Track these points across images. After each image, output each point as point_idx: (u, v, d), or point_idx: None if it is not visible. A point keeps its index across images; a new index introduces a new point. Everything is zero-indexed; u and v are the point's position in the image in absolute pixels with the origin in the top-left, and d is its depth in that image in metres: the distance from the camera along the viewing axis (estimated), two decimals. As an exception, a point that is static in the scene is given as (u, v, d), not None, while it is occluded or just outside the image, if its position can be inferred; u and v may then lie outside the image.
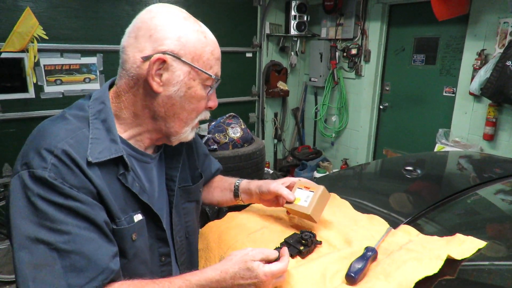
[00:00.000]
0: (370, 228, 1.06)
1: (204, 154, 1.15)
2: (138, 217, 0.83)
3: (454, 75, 3.58)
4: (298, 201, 0.99)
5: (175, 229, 0.96)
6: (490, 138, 3.25)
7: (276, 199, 1.07)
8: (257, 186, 1.07)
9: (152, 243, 0.89)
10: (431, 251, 0.86)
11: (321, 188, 0.98)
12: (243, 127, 2.17)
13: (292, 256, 0.92)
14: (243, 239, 1.06)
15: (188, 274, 0.79)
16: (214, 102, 0.90)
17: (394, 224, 1.07)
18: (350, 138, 4.69)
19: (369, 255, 0.88)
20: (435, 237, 0.95)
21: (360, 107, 4.48)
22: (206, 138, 2.06)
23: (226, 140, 2.03)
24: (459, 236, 0.91)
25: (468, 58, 3.33)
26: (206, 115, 0.91)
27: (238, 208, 1.28)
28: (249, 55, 4.59)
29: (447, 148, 3.37)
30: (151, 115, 0.84)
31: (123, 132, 0.84)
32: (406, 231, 1.00)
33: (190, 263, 1.06)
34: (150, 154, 0.91)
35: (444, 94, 3.71)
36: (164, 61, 0.78)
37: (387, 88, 4.29)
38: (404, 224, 1.07)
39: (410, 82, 4.02)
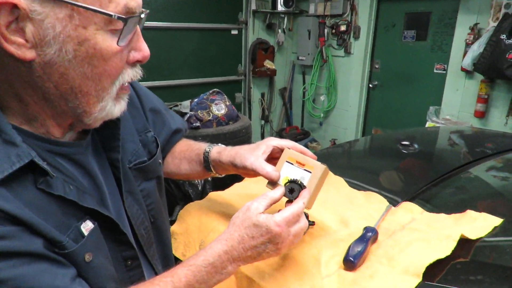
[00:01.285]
0: (368, 206, 0.95)
1: (153, 110, 0.88)
2: (87, 225, 0.62)
3: (445, 51, 3.48)
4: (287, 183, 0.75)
5: (135, 222, 0.76)
6: (481, 115, 3.19)
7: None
8: (230, 159, 0.83)
9: (112, 248, 0.70)
10: (439, 230, 0.76)
11: (322, 168, 0.73)
12: (227, 103, 2.03)
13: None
14: (225, 221, 0.94)
15: (191, 258, 0.67)
16: (140, 52, 0.60)
17: (394, 202, 0.97)
18: (338, 118, 4.59)
19: (369, 236, 0.77)
20: (442, 215, 0.84)
21: (349, 86, 4.37)
22: (188, 115, 1.92)
23: (210, 118, 1.89)
24: (470, 213, 0.80)
25: (461, 33, 3.23)
26: (134, 74, 0.62)
27: (223, 186, 1.16)
28: (234, 32, 4.41)
29: (438, 126, 3.30)
30: (40, 95, 0.57)
31: (23, 123, 0.59)
32: (408, 209, 0.90)
33: (162, 249, 0.92)
34: (75, 142, 0.66)
35: (435, 71, 3.62)
36: (14, 5, 0.48)
37: (377, 66, 4.18)
38: (405, 201, 0.96)
39: (400, 60, 3.91)
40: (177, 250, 0.99)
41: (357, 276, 0.69)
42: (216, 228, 0.92)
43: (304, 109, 4.95)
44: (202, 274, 0.64)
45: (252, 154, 0.81)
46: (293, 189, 0.73)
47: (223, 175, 0.96)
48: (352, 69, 4.27)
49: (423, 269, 0.63)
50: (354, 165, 1.49)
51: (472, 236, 0.71)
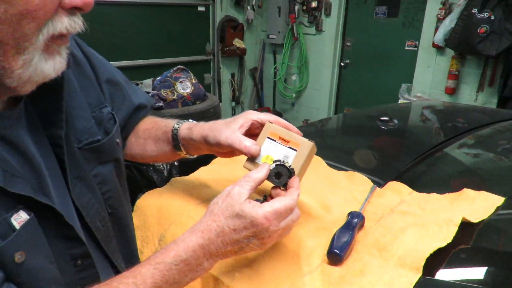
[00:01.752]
0: (351, 188, 0.84)
1: (111, 81, 0.74)
2: (20, 217, 0.49)
3: (417, 27, 3.43)
4: (269, 161, 0.63)
5: (88, 213, 0.62)
6: (452, 92, 3.18)
7: (234, 151, 0.75)
8: (202, 136, 0.72)
9: (56, 245, 0.56)
10: (435, 213, 0.66)
11: (309, 145, 0.62)
12: (194, 81, 1.87)
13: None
14: (190, 211, 0.81)
15: (158, 253, 0.55)
16: None
17: (378, 183, 0.87)
18: (310, 98, 4.50)
19: (355, 223, 0.67)
20: (434, 195, 0.75)
21: (321, 65, 4.27)
22: (150, 95, 1.75)
23: (174, 97, 1.73)
24: (467, 192, 0.71)
25: (432, 8, 3.18)
26: (71, 24, 0.48)
27: (192, 170, 1.02)
28: (201, 9, 4.17)
29: (410, 104, 3.28)
30: None
31: None
32: (396, 190, 0.80)
33: (125, 244, 0.78)
34: (0, 112, 0.52)
35: (407, 48, 3.58)
36: None
37: (348, 44, 4.10)
38: (391, 181, 0.87)
39: (372, 37, 3.84)
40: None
41: (345, 272, 0.58)
42: (178, 220, 0.79)
43: (275, 90, 4.83)
44: (173, 273, 0.53)
45: (228, 128, 0.69)
46: (280, 173, 0.61)
47: (195, 156, 0.84)
48: (324, 48, 4.16)
49: (423, 262, 0.53)
50: (330, 144, 1.38)
51: (474, 218, 0.62)
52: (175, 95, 1.73)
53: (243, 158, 0.69)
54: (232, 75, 4.77)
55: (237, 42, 4.45)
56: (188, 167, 1.13)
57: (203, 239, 0.54)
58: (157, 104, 1.71)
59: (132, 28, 3.62)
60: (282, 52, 4.48)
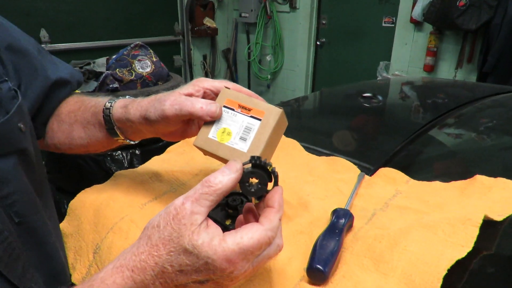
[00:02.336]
0: (333, 177, 0.69)
1: (14, 49, 0.57)
2: None
3: (393, 2, 3.29)
4: (226, 136, 0.50)
5: None
6: (430, 69, 3.09)
7: (185, 127, 0.60)
8: (141, 113, 0.56)
9: None
10: (441, 208, 0.52)
11: (277, 112, 0.49)
12: (154, 59, 1.66)
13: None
14: (133, 213, 0.64)
15: None
16: None
17: (366, 170, 0.72)
18: (286, 79, 4.34)
19: (341, 225, 0.52)
20: (437, 183, 0.61)
21: (296, 44, 4.10)
22: (103, 75, 1.54)
23: (132, 77, 1.53)
24: (481, 180, 0.57)
25: (410, -19, 3.05)
26: None
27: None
28: (167, -15, 3.89)
29: (388, 83, 3.18)
30: None
31: None
32: (389, 177, 0.65)
33: (44, 263, 0.61)
34: None
35: (384, 24, 3.45)
36: None
37: (324, 22, 3.93)
38: (381, 168, 0.72)
39: (347, 14, 3.69)
40: (67, 258, 0.68)
41: (331, 295, 0.43)
42: (117, 226, 0.62)
43: (250, 71, 4.63)
44: None
45: (172, 94, 0.55)
46: (256, 178, 0.41)
47: (136, 142, 0.66)
48: (299, 26, 3.99)
49: (438, 283, 0.38)
50: (307, 125, 1.23)
51: (496, 215, 0.48)
52: (133, 75, 1.53)
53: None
54: (204, 57, 4.53)
55: (208, 22, 4.20)
56: (153, 154, 0.96)
57: (133, 282, 0.37)
58: (111, 85, 1.50)
59: (91, 6, 3.31)
60: (255, 31, 4.27)
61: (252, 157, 0.39)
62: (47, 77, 0.62)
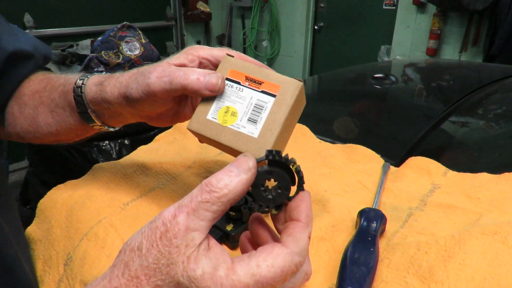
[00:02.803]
0: (353, 168, 0.58)
1: None
2: None
3: (395, -17, 3.16)
4: (230, 117, 0.38)
5: None
6: (433, 53, 2.97)
7: (177, 108, 0.50)
8: (120, 91, 0.45)
9: None
10: (498, 208, 0.41)
11: (296, 86, 0.38)
12: (143, 41, 1.53)
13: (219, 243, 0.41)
14: (113, 215, 0.52)
15: None
16: None
17: (389, 159, 0.61)
18: (283, 65, 4.21)
19: (373, 230, 0.41)
20: (485, 175, 0.50)
21: (293, 29, 3.96)
22: (88, 58, 1.41)
23: (119, 60, 1.40)
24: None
25: (412, -40, 2.91)
26: None
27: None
28: (158, -33, 3.71)
29: (390, 68, 3.06)
30: None
31: None
32: (422, 168, 0.54)
33: (7, 276, 0.49)
34: None
35: (384, 7, 3.31)
36: None
37: (322, 5, 3.78)
38: (409, 156, 0.61)
39: (347, -4, 3.55)
40: (36, 270, 0.57)
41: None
42: (93, 231, 0.50)
43: (245, 58, 4.48)
44: None
45: (160, 66, 0.44)
46: (275, 181, 0.29)
47: (117, 128, 0.55)
48: (296, 10, 3.84)
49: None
50: (312, 112, 1.11)
51: None
52: (120, 58, 1.40)
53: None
54: (198, 43, 4.37)
55: (201, 6, 4.03)
56: (143, 144, 0.84)
57: None
58: (97, 69, 1.37)
59: (77, -12, 3.14)
60: (251, 16, 4.12)
61: (269, 152, 0.28)
62: (2, 49, 0.50)
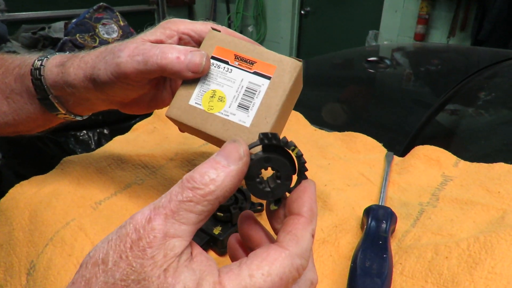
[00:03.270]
0: (353, 159, 0.52)
1: None
2: None
3: (383, -34, 3.09)
4: (217, 102, 0.32)
5: None
6: (421, 38, 2.94)
7: (154, 92, 0.43)
8: (87, 73, 0.38)
9: None
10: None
11: (294, 66, 0.32)
12: (122, 24, 1.44)
13: (205, 249, 0.35)
14: (83, 216, 0.46)
15: None
16: None
17: (390, 147, 0.56)
18: (270, 51, 4.12)
19: (384, 231, 0.35)
20: (502, 165, 0.45)
21: (279, 14, 3.86)
22: (61, 42, 1.31)
23: (96, 44, 1.31)
24: None
25: None
26: None
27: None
28: None
29: (378, 53, 3.02)
30: None
31: None
32: (430, 158, 0.49)
33: None
34: None
35: (372, -9, 3.25)
36: None
37: (309, -11, 3.70)
38: (412, 144, 0.56)
39: (334, -20, 3.46)
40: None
41: None
42: (60, 235, 0.44)
43: (230, 44, 4.38)
44: None
45: (131, 42, 0.38)
46: (273, 170, 0.23)
47: (85, 117, 0.48)
48: (282, -7, 3.74)
49: None
50: (305, 100, 1.05)
51: None
52: (97, 41, 1.31)
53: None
54: (181, 28, 4.24)
55: (184, -11, 3.90)
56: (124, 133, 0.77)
57: None
58: (69, 53, 1.27)
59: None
60: (235, 0, 4.00)
61: (264, 135, 0.21)
62: None
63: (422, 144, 0.57)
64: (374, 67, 0.98)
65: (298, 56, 3.93)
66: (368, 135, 0.59)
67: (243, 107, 0.32)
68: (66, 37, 1.31)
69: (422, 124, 0.64)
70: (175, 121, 0.35)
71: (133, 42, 0.37)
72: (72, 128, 1.42)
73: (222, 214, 0.38)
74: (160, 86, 0.43)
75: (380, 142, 0.57)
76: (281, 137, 0.22)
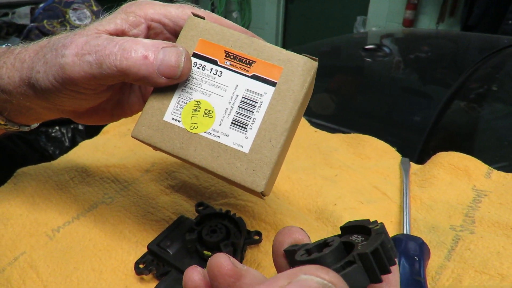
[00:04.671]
0: (364, 168, 0.44)
1: None
2: None
3: (371, -51, 3.00)
4: (203, 118, 0.24)
5: None
6: (410, 24, 2.88)
7: (118, 97, 0.33)
8: (23, 76, 0.28)
9: None
10: None
11: (308, 68, 0.24)
12: (95, 9, 1.31)
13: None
14: (35, 249, 0.37)
15: None
16: None
17: (405, 152, 0.48)
18: (255, 38, 4.00)
19: (418, 273, 0.28)
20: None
21: (264, -1, 3.74)
22: (27, 29, 1.18)
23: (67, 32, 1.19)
24: None
25: None
26: None
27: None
28: None
29: (366, 40, 2.94)
30: None
31: None
32: (457, 167, 0.41)
33: None
34: None
35: (360, -25, 3.16)
36: None
37: (294, -27, 3.58)
38: (427, 147, 0.48)
39: (320, -37, 3.35)
40: None
41: None
42: (4, 275, 0.35)
43: (214, 31, 4.23)
44: None
45: (81, 34, 0.27)
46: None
47: (33, 127, 0.38)
48: (267, -22, 3.61)
49: None
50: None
51: None
52: (68, 28, 1.19)
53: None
54: (162, 14, 4.07)
55: (164, -27, 3.72)
56: (102, 129, 0.67)
57: None
58: (5, 46, 1.15)
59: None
60: (219, -16, 3.85)
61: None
62: None
63: (438, 146, 0.50)
64: (372, 56, 0.90)
65: (284, 43, 3.84)
66: (359, 125, 0.51)
67: (239, 125, 0.23)
68: (32, 24, 1.19)
69: (434, 122, 0.56)
70: (144, 142, 0.26)
71: (82, 35, 0.27)
72: (43, 124, 1.31)
73: (210, 253, 0.29)
74: (126, 89, 0.34)
75: (373, 133, 0.49)
76: None
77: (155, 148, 0.25)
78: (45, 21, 1.18)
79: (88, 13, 1.28)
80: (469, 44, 1.29)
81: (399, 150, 0.47)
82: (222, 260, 0.17)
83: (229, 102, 0.23)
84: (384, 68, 1.00)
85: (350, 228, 0.17)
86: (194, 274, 0.19)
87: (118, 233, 0.38)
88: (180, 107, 0.24)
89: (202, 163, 0.23)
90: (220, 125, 0.23)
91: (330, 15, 3.47)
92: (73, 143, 1.36)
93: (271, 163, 0.22)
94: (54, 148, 1.35)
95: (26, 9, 1.30)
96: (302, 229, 0.19)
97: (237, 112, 0.23)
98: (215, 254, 0.17)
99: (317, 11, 3.55)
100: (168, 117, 0.24)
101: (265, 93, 0.23)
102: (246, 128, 0.23)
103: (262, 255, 0.33)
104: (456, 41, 1.34)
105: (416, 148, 0.52)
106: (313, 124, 0.56)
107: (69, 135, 1.34)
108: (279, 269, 0.19)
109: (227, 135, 0.23)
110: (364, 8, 3.12)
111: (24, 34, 1.17)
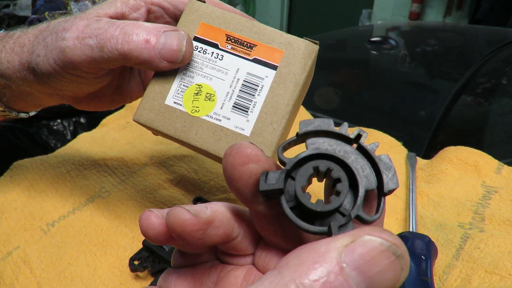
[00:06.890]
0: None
1: None
2: None
3: None
4: (204, 102, 0.23)
5: None
6: (416, 17, 2.84)
7: (119, 83, 0.33)
8: (23, 60, 0.28)
9: None
10: None
11: (309, 51, 0.23)
12: (96, 0, 1.30)
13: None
14: (29, 244, 0.36)
15: None
16: None
17: (412, 147, 0.46)
18: (259, 32, 3.97)
19: (425, 272, 0.26)
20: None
21: (268, -9, 3.71)
22: (28, 20, 1.17)
23: (67, 23, 1.18)
24: None
25: None
26: None
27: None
28: None
29: (371, 33, 2.91)
30: None
31: None
32: (466, 163, 0.40)
33: None
34: None
35: (366, -33, 3.11)
36: None
37: (299, -34, 3.54)
38: (434, 141, 0.47)
39: (326, -45, 3.31)
40: None
41: None
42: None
43: (218, 24, 4.21)
44: None
45: (81, 17, 0.27)
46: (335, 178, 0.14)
47: (32, 113, 0.37)
48: (271, -30, 3.58)
49: None
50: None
51: None
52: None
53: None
54: (166, 7, 4.05)
55: (168, -35, 3.69)
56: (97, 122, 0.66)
57: None
58: (3, 31, 1.14)
59: None
60: (223, -23, 3.82)
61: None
62: None
63: (445, 141, 0.48)
64: (378, 48, 0.88)
65: (289, 36, 3.80)
66: (364, 120, 0.50)
67: (241, 108, 0.23)
68: (33, 16, 1.18)
69: (441, 116, 0.55)
70: (145, 126, 0.25)
71: (83, 18, 0.27)
72: (45, 117, 1.30)
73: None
74: (125, 74, 0.33)
75: (378, 128, 0.48)
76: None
77: (156, 132, 0.25)
78: (46, 13, 1.17)
79: (89, 4, 1.26)
80: (477, 37, 1.27)
81: (405, 145, 0.46)
82: (180, 215, 0.15)
83: (231, 86, 0.23)
84: (390, 62, 0.98)
85: (312, 134, 0.15)
86: (152, 218, 0.16)
87: (114, 228, 0.37)
88: (181, 91, 0.24)
89: (204, 146, 0.23)
90: (221, 108, 0.23)
91: (335, 9, 3.44)
92: (75, 137, 1.35)
93: (273, 146, 0.22)
94: (56, 141, 1.35)
95: (27, 1, 1.28)
96: (252, 143, 0.16)
97: (238, 96, 0.23)
98: (171, 209, 0.15)
99: (322, 4, 3.51)
100: (169, 101, 0.24)
101: (266, 76, 0.23)
102: (247, 112, 0.23)
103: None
104: (463, 34, 1.31)
105: (423, 143, 0.50)
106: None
107: (71, 128, 1.33)
108: (242, 198, 0.15)
109: (229, 119, 0.23)
110: (370, 1, 3.08)
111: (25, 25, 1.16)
